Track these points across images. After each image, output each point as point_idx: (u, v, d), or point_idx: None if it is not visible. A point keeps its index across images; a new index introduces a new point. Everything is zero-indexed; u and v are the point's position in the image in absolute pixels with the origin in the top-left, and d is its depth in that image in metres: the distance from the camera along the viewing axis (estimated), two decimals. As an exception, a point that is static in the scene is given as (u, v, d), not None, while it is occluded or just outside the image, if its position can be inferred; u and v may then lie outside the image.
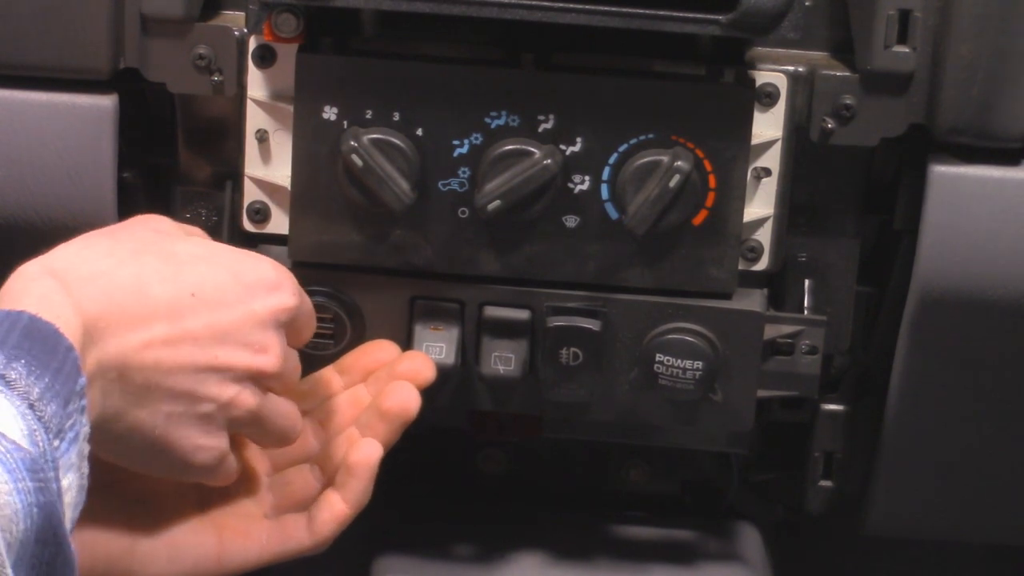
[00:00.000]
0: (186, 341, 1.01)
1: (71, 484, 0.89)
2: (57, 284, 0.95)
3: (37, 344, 0.89)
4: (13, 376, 0.87)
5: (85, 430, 0.91)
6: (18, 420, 0.86)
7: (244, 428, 1.07)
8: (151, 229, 1.08)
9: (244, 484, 1.15)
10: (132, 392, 0.99)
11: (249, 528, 1.13)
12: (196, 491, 1.13)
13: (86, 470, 0.92)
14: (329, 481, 1.15)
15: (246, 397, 1.05)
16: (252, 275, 1.06)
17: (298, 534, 1.13)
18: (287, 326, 1.08)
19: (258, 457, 1.16)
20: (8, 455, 0.84)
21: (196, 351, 1.02)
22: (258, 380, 1.05)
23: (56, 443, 0.88)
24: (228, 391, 1.04)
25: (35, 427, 0.86)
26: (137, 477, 1.09)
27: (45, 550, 0.85)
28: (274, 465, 1.17)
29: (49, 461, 0.86)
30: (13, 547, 0.82)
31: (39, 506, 0.84)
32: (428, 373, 1.18)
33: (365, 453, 1.13)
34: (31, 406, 0.87)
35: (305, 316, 1.11)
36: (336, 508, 1.13)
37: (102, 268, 1.00)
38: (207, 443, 1.04)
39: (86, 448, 0.92)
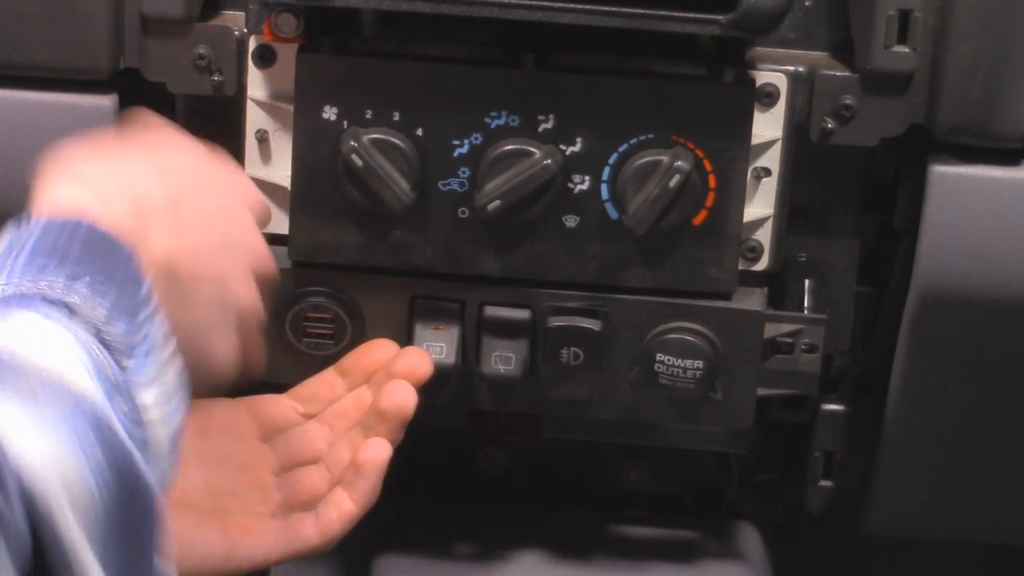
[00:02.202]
0: (218, 251, 1.01)
1: (157, 399, 0.86)
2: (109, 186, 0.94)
3: (99, 257, 0.87)
4: (75, 300, 0.84)
5: (159, 334, 0.88)
6: (83, 358, 0.82)
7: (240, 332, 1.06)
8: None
9: (252, 483, 1.15)
10: (177, 294, 0.96)
11: (257, 526, 1.13)
12: (204, 488, 1.13)
13: (174, 373, 0.89)
14: (336, 482, 1.15)
15: (257, 303, 1.05)
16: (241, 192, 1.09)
17: (306, 532, 1.13)
18: None
19: (266, 457, 1.17)
20: (74, 411, 0.79)
21: (226, 262, 1.02)
22: (261, 282, 1.06)
23: (128, 363, 0.85)
24: (250, 295, 1.04)
25: (102, 361, 0.83)
26: None
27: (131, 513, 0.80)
28: (282, 466, 1.17)
29: (121, 387, 0.83)
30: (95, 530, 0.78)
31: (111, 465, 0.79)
32: (426, 368, 1.18)
33: (374, 452, 1.13)
34: (97, 331, 0.84)
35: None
36: (344, 507, 1.13)
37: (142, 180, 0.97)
38: (232, 345, 1.03)
39: (167, 352, 0.89)
